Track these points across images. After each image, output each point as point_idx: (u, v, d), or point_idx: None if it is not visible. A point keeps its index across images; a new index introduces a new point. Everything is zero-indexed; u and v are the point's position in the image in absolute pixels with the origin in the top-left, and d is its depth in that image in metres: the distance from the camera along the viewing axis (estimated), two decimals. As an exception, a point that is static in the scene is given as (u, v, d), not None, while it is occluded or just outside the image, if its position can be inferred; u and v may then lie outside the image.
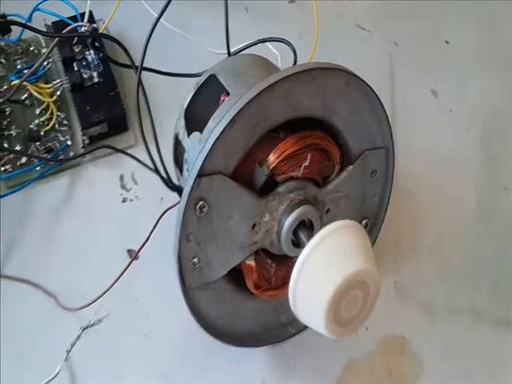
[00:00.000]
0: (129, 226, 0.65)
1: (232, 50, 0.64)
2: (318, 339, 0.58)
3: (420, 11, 0.82)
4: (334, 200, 0.55)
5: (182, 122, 0.56)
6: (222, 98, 0.54)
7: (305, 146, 0.51)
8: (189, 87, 0.58)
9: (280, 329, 0.60)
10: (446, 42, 0.80)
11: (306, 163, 0.51)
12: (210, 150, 0.46)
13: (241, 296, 0.56)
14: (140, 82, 0.56)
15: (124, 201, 0.67)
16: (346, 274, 0.45)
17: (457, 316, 0.64)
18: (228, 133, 0.46)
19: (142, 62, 0.55)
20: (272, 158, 0.50)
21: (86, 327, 0.52)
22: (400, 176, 0.61)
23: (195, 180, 0.46)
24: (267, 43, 0.66)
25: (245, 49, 0.65)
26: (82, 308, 0.57)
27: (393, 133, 0.57)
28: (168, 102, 0.67)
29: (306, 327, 0.60)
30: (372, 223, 0.60)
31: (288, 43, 0.63)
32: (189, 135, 0.55)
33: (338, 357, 0.62)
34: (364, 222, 0.59)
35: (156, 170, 0.57)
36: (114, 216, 0.66)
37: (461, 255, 0.67)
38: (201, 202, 0.48)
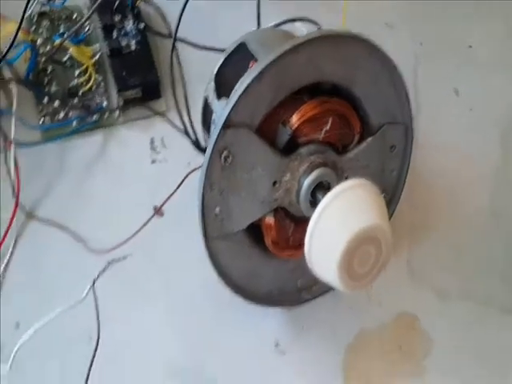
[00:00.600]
0: (156, 185, 0.67)
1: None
2: (333, 306, 0.63)
3: (446, 13, 0.83)
4: (352, 168, 0.57)
5: (212, 85, 0.58)
6: (251, 64, 0.57)
7: (326, 110, 0.53)
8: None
9: (295, 293, 0.62)
10: (470, 47, 0.81)
11: (327, 127, 0.53)
12: (237, 101, 0.49)
13: (259, 253, 0.58)
14: (174, 48, 0.59)
15: (153, 162, 0.70)
16: (360, 228, 0.47)
17: (467, 300, 0.66)
18: (254, 87, 0.49)
19: (177, 30, 0.59)
20: (295, 119, 0.52)
21: (112, 260, 0.54)
22: (419, 165, 0.64)
23: (221, 130, 0.49)
24: (296, 23, 0.68)
25: (275, 27, 0.68)
26: (108, 251, 0.61)
27: (414, 128, 0.59)
28: (199, 75, 0.68)
29: (320, 294, 0.63)
30: (389, 198, 0.62)
31: (315, 22, 0.67)
32: (218, 99, 0.58)
33: (351, 325, 0.64)
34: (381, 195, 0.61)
35: (186, 132, 0.59)
36: (143, 175, 0.69)
37: (474, 242, 0.69)
38: (225, 152, 0.50)
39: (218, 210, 0.52)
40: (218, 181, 0.51)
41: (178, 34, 0.61)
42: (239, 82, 0.55)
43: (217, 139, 0.49)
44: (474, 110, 0.77)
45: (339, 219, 0.47)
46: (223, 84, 0.58)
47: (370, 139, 0.57)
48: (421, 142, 0.64)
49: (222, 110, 0.55)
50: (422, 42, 0.81)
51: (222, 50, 0.67)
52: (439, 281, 0.66)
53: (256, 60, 0.56)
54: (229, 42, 0.63)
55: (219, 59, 0.59)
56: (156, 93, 0.72)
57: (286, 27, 0.66)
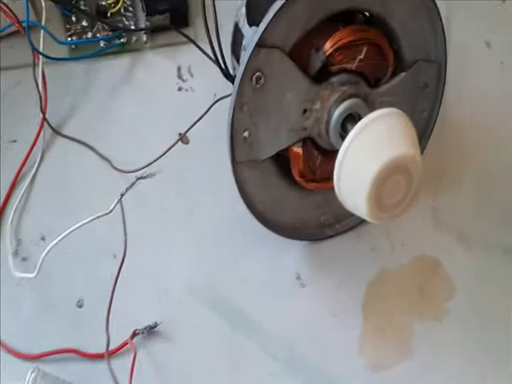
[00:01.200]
0: (182, 113, 0.66)
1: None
2: (355, 244, 0.63)
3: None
4: (383, 103, 0.55)
5: (243, 10, 0.57)
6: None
7: (361, 38, 0.51)
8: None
9: (318, 228, 0.62)
10: (503, 0, 0.79)
11: (361, 56, 0.52)
12: (271, 20, 0.47)
13: (286, 184, 0.57)
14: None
15: (180, 89, 0.69)
16: (390, 157, 0.46)
17: (489, 249, 0.65)
18: (289, 7, 0.48)
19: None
20: (328, 45, 0.51)
21: (141, 177, 0.53)
22: (449, 114, 0.62)
23: (254, 49, 0.48)
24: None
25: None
26: (134, 171, 0.59)
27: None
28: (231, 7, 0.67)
29: (343, 232, 0.63)
30: (418, 139, 0.60)
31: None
32: (249, 25, 0.56)
33: (372, 264, 0.63)
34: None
35: (215, 59, 0.58)
36: (169, 102, 0.68)
37: (500, 194, 0.68)
38: (257, 73, 0.49)
39: (246, 133, 0.52)
40: (249, 102, 0.50)
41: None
42: (271, 8, 0.53)
43: (249, 58, 0.48)
44: (505, 63, 0.75)
45: (369, 149, 0.46)
46: (255, 10, 0.57)
47: (403, 74, 0.56)
48: (450, 93, 0.62)
49: (252, 34, 0.54)
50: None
51: None
52: (464, 229, 0.65)
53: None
54: None
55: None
56: (184, 20, 0.71)
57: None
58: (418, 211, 0.64)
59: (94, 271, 0.60)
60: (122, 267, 0.54)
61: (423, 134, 0.61)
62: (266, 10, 0.53)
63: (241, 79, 0.48)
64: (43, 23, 0.66)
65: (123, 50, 0.70)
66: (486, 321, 0.61)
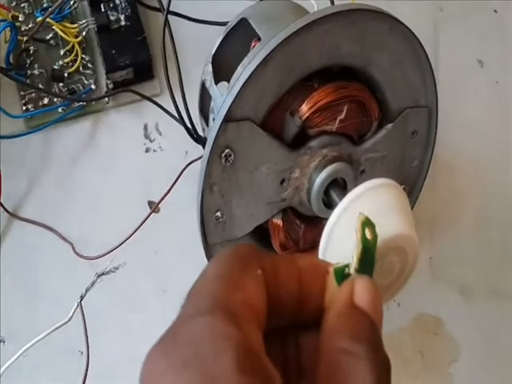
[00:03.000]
0: (151, 177, 0.63)
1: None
2: None
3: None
4: (369, 160, 0.51)
5: (210, 68, 0.53)
6: (253, 44, 0.51)
7: (341, 97, 0.47)
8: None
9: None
10: (495, 11, 0.74)
11: (342, 116, 0.47)
12: (239, 92, 0.43)
13: (266, 258, 0.52)
14: (167, 23, 0.53)
15: (147, 151, 0.65)
16: (383, 238, 0.40)
17: (495, 298, 0.61)
18: (259, 74, 0.43)
19: (169, 3, 0.52)
20: (305, 108, 0.46)
21: (102, 274, 0.49)
22: (440, 147, 0.58)
23: (221, 125, 0.43)
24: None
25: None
26: (98, 257, 0.56)
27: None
28: (197, 50, 0.63)
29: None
30: (409, 190, 0.56)
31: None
32: (216, 83, 0.52)
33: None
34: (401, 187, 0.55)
35: (181, 120, 0.54)
36: (137, 166, 0.64)
37: (501, 234, 0.63)
38: (227, 150, 0.44)
39: (219, 213, 0.47)
40: (219, 182, 0.46)
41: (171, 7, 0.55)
42: (240, 65, 0.49)
43: (216, 136, 0.43)
44: (501, 82, 0.71)
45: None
46: (222, 66, 0.52)
47: (389, 126, 0.51)
48: (441, 119, 0.57)
49: (220, 96, 0.50)
50: (441, 7, 0.74)
51: (220, 23, 0.63)
52: (464, 278, 0.61)
53: (259, 39, 0.50)
54: (228, 16, 0.57)
55: (217, 38, 0.53)
56: (148, 73, 0.66)
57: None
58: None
59: (59, 372, 0.56)
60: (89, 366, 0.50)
61: (414, 184, 0.57)
62: (233, 68, 0.49)
63: (208, 159, 0.44)
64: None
65: (84, 112, 0.65)
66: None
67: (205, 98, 0.54)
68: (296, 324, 0.33)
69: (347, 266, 0.34)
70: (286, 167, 0.47)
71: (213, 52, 0.53)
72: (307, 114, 0.46)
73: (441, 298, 0.60)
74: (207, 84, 0.52)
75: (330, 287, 0.33)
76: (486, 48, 0.72)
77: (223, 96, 0.50)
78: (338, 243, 0.42)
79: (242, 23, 0.52)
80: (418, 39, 0.49)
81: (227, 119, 0.43)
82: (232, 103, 0.43)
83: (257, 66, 0.42)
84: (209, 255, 0.49)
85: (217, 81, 0.52)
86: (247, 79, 0.42)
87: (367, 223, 0.35)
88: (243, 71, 0.43)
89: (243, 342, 0.27)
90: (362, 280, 0.33)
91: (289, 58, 0.44)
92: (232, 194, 0.47)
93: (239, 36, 0.52)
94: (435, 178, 0.60)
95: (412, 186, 0.57)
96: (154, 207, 0.58)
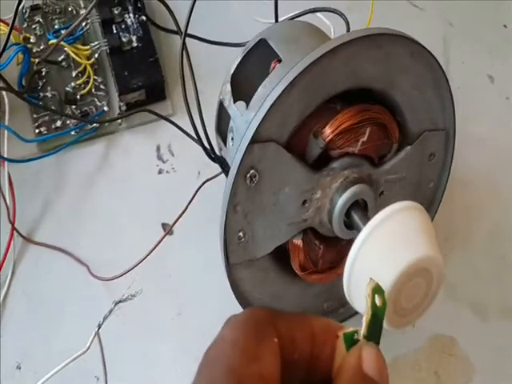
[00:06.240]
0: (164, 198, 0.62)
1: (280, 19, 0.61)
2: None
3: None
4: (388, 182, 0.51)
5: (228, 87, 0.52)
6: (273, 65, 0.51)
7: (364, 120, 0.47)
8: (233, 57, 0.54)
9: (321, 316, 0.56)
10: (505, 26, 0.75)
11: (364, 138, 0.47)
12: (266, 114, 0.42)
13: (285, 278, 0.52)
14: (184, 46, 0.53)
15: (160, 172, 0.64)
16: (410, 260, 0.40)
17: (508, 316, 0.60)
18: (285, 97, 0.43)
19: (187, 26, 0.52)
20: (328, 131, 0.46)
21: (119, 301, 0.49)
22: (454, 164, 0.57)
23: (248, 146, 0.43)
24: (317, 13, 0.63)
25: (294, 18, 0.62)
26: (113, 278, 0.56)
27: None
28: (210, 71, 0.64)
29: (347, 317, 0.58)
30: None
31: (341, 14, 0.60)
32: (235, 102, 0.51)
33: (382, 349, 0.57)
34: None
35: (199, 140, 0.53)
36: (150, 187, 0.63)
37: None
38: (252, 171, 0.44)
39: (241, 233, 0.47)
40: (243, 202, 0.45)
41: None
42: (261, 86, 0.49)
43: (243, 157, 0.43)
44: (511, 98, 0.71)
45: (385, 250, 0.41)
46: (241, 86, 0.52)
47: (408, 148, 0.51)
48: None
49: (240, 116, 0.50)
50: (451, 22, 0.74)
51: (234, 45, 0.63)
52: (479, 296, 0.60)
53: (279, 60, 0.50)
54: (242, 37, 0.59)
55: (236, 58, 0.53)
56: (161, 94, 0.66)
57: (306, 18, 0.60)
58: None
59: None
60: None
61: (430, 207, 0.57)
62: (253, 88, 0.49)
63: (234, 179, 0.44)
64: (7, 117, 0.62)
65: (96, 134, 0.65)
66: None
67: (222, 117, 0.54)
68: None
69: (356, 332, 0.34)
70: (309, 188, 0.47)
71: (231, 71, 0.53)
72: (330, 136, 0.46)
73: (456, 317, 0.60)
74: (225, 103, 0.52)
75: (340, 351, 0.34)
76: (497, 63, 0.72)
77: (243, 116, 0.50)
78: (364, 268, 0.42)
79: (261, 44, 0.52)
80: (438, 62, 0.49)
81: (253, 140, 0.43)
82: (258, 126, 0.43)
83: (284, 89, 0.42)
84: (230, 275, 0.48)
85: (235, 99, 0.52)
86: (273, 103, 0.42)
87: (377, 290, 0.35)
88: (270, 93, 0.43)
89: None
90: (370, 348, 0.34)
91: (314, 81, 0.44)
92: (255, 214, 0.46)
93: (258, 56, 0.52)
94: (447, 194, 0.59)
95: (428, 207, 0.56)
96: (167, 230, 0.58)
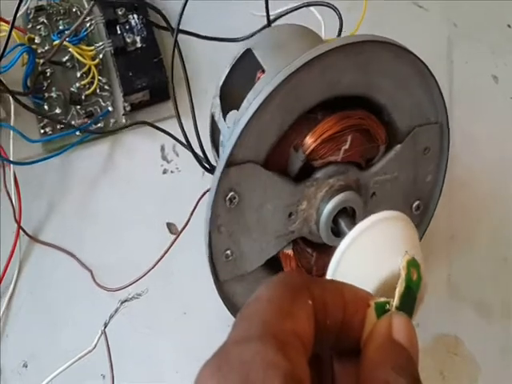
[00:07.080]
0: (169, 198, 0.63)
1: (275, 12, 0.61)
2: None
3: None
4: (379, 183, 0.51)
5: (218, 100, 0.53)
6: (258, 75, 0.51)
7: (345, 128, 0.46)
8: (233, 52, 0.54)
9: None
10: (509, 26, 0.74)
11: (346, 146, 0.47)
12: (238, 138, 0.43)
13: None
14: (176, 44, 0.53)
15: (165, 172, 0.65)
16: (387, 272, 0.40)
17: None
18: (258, 118, 0.43)
19: (179, 24, 0.52)
20: (309, 142, 0.46)
21: (125, 300, 0.50)
22: (455, 164, 0.57)
23: (223, 171, 0.43)
24: (311, 8, 0.62)
25: (287, 13, 0.62)
26: (118, 289, 0.56)
27: (450, 118, 0.53)
28: (213, 68, 0.64)
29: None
30: (424, 206, 0.56)
31: (334, 8, 0.59)
32: (224, 115, 0.52)
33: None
34: (416, 203, 0.55)
35: (192, 151, 0.54)
36: (154, 187, 0.64)
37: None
38: (231, 194, 0.45)
39: (228, 252, 0.48)
40: (226, 223, 0.46)
41: (182, 26, 0.55)
42: (245, 100, 0.49)
43: (219, 182, 0.44)
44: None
45: (365, 261, 0.41)
46: (230, 98, 0.53)
47: (398, 147, 0.51)
48: (457, 135, 0.57)
49: (227, 129, 0.50)
50: (455, 22, 0.73)
51: (229, 40, 0.63)
52: (482, 295, 0.60)
53: (263, 70, 0.50)
54: (240, 31, 0.59)
55: (224, 70, 0.53)
56: (165, 94, 0.67)
57: (301, 13, 0.61)
58: (431, 282, 0.58)
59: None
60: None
61: (429, 200, 0.56)
62: (240, 99, 0.49)
63: (213, 202, 0.44)
64: (12, 118, 0.63)
65: (101, 134, 0.66)
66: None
67: (215, 129, 0.54)
68: (334, 351, 0.34)
69: (388, 302, 0.34)
70: (293, 201, 0.47)
71: (220, 84, 0.53)
72: (311, 148, 0.46)
73: (460, 317, 0.60)
74: (216, 117, 0.53)
75: (370, 319, 0.33)
76: (501, 63, 0.71)
77: (230, 129, 0.50)
78: (345, 277, 0.42)
79: (247, 54, 0.52)
80: (422, 61, 0.48)
81: (228, 164, 0.43)
82: (232, 149, 0.43)
83: (254, 113, 0.42)
84: (221, 292, 0.49)
85: (225, 112, 0.52)
86: (244, 127, 0.43)
87: (413, 263, 0.36)
88: (241, 118, 0.43)
89: (291, 372, 0.27)
90: (401, 317, 0.34)
91: (290, 96, 0.44)
92: (240, 232, 0.47)
93: (245, 68, 0.52)
94: (451, 194, 0.59)
95: (427, 200, 0.56)
96: (177, 235, 0.58)
